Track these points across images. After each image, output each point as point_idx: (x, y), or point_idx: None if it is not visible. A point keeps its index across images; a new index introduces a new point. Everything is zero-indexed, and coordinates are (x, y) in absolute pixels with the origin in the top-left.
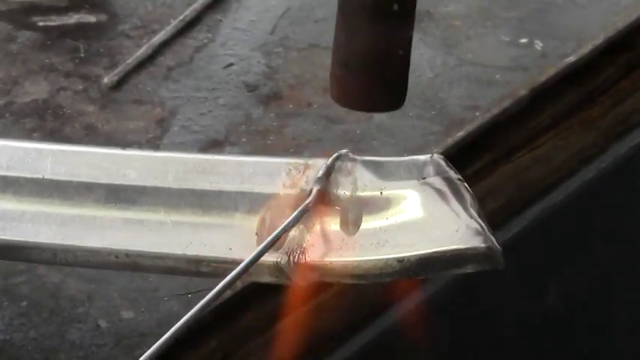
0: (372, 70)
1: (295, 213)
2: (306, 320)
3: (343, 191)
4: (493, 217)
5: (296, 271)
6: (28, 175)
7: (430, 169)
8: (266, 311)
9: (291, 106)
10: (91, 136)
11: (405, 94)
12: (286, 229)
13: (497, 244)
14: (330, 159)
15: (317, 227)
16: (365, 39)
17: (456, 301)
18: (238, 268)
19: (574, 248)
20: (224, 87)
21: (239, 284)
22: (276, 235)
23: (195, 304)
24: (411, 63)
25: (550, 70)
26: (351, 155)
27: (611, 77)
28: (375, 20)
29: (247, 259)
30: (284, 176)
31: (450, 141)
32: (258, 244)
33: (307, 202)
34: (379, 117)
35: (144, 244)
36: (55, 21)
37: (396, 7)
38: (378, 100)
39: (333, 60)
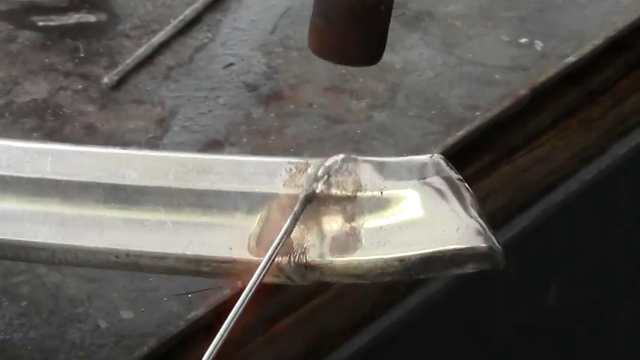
0: (354, 25)
1: (292, 214)
2: (306, 320)
3: (344, 191)
4: (493, 218)
5: (297, 270)
6: (28, 175)
7: (430, 169)
8: (266, 311)
9: (291, 106)
10: (90, 135)
11: (383, 50)
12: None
13: (497, 244)
14: (331, 159)
15: (318, 227)
16: None
17: (456, 301)
18: (254, 277)
19: (574, 248)
20: (224, 87)
21: (239, 284)
22: (283, 236)
23: (196, 305)
24: (411, 62)
25: (550, 70)
26: (351, 155)
27: (611, 77)
28: None
29: (260, 266)
30: (284, 176)
31: (450, 141)
32: (253, 242)
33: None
34: (379, 117)
35: (144, 244)
36: (55, 21)
37: None
38: (357, 54)
39: (314, 12)
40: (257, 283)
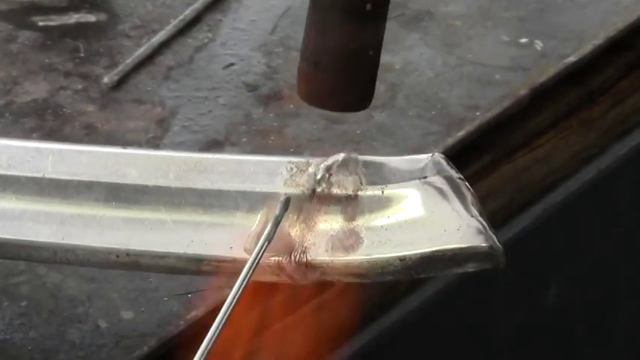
0: (342, 70)
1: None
2: (307, 320)
3: (345, 190)
4: (493, 217)
5: (297, 269)
6: (29, 174)
7: (431, 168)
8: (266, 311)
9: (291, 106)
10: (90, 136)
11: (372, 95)
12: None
13: (498, 243)
14: (332, 158)
15: (318, 226)
16: (336, 38)
17: (457, 301)
18: (241, 276)
19: (574, 248)
20: (224, 87)
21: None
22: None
23: (196, 304)
24: (411, 62)
25: (550, 70)
26: (352, 154)
27: (611, 77)
28: (347, 19)
29: (247, 264)
30: (285, 175)
31: (450, 141)
32: (253, 242)
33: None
34: (379, 117)
35: (144, 243)
36: (55, 21)
37: (368, 6)
38: (345, 100)
39: (302, 57)
40: (244, 284)
